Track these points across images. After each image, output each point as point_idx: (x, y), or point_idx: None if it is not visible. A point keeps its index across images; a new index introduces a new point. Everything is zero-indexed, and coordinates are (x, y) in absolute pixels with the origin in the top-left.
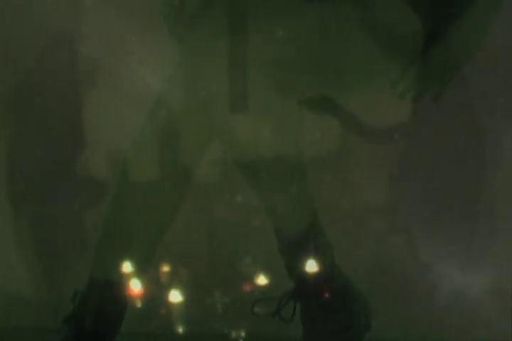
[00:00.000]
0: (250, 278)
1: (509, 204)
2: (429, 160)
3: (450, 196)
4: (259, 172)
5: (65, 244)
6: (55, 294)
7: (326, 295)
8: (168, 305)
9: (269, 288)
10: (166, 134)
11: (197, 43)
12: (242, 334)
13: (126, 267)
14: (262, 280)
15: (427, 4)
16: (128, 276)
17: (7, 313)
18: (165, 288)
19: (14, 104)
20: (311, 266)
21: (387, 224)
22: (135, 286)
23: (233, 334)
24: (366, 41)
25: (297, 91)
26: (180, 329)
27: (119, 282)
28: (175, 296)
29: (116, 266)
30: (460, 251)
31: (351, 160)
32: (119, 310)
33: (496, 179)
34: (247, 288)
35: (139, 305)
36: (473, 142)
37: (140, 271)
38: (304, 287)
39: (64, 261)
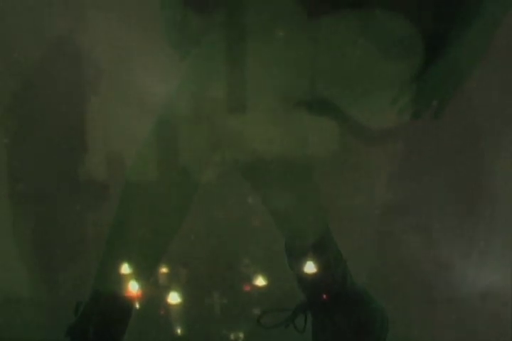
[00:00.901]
0: (250, 279)
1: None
2: (429, 160)
3: (451, 196)
4: (264, 178)
5: (66, 245)
6: (56, 295)
7: (338, 307)
8: (166, 306)
9: (269, 288)
10: (171, 144)
11: (199, 58)
12: (241, 335)
13: (130, 277)
14: (261, 280)
15: (428, 20)
16: (131, 286)
17: (6, 314)
18: (164, 289)
19: (18, 107)
20: (322, 280)
21: (390, 225)
22: (135, 289)
23: (232, 336)
24: (366, 56)
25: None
26: (179, 331)
27: (122, 293)
28: (174, 297)
29: (120, 277)
30: (460, 252)
31: (351, 162)
32: (123, 320)
33: (495, 178)
34: (246, 288)
35: (137, 306)
36: (473, 142)
37: (143, 280)
38: (315, 300)
39: (64, 262)
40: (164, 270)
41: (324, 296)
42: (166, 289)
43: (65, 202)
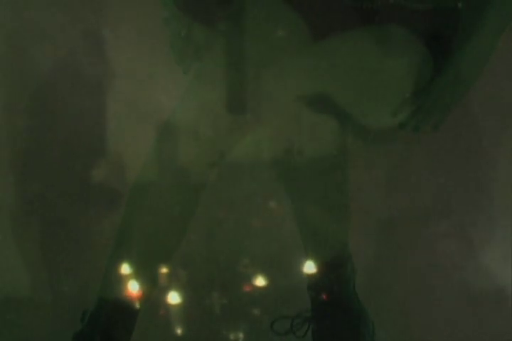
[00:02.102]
0: (250, 279)
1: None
2: (428, 161)
3: (453, 196)
4: (296, 184)
5: (71, 247)
6: (57, 295)
7: (343, 320)
8: (166, 306)
9: (268, 289)
10: (175, 151)
11: (202, 74)
12: (241, 335)
13: (136, 283)
14: (261, 281)
15: (428, 38)
16: (137, 291)
17: (7, 315)
18: (163, 289)
19: (35, 114)
20: (336, 292)
21: (391, 227)
22: (141, 295)
23: (232, 336)
24: (368, 74)
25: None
26: (179, 331)
27: (128, 301)
28: (173, 297)
29: (126, 283)
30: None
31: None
32: (128, 328)
33: (495, 179)
34: (246, 288)
35: (137, 306)
36: (473, 142)
37: (150, 286)
38: (321, 311)
39: (68, 264)
40: (164, 270)
41: (329, 309)
42: (166, 289)
43: (73, 206)
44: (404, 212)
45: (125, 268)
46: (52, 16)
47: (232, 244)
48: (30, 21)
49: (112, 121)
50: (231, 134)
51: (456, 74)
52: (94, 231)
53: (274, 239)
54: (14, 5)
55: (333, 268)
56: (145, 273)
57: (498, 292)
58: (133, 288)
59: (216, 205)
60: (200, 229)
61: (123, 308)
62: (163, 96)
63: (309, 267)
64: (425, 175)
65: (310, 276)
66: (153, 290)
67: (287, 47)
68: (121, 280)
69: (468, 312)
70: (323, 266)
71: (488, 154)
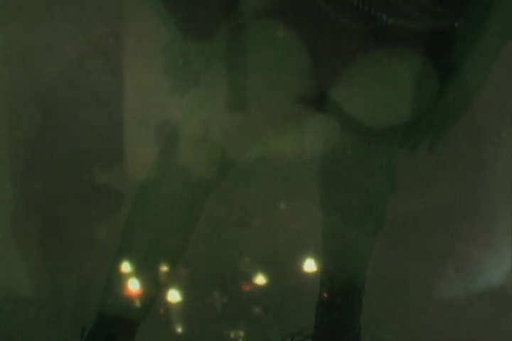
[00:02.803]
0: (250, 278)
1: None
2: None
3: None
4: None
5: (72, 248)
6: (57, 295)
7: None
8: (167, 305)
9: (269, 288)
10: (180, 157)
11: (199, 99)
12: (241, 334)
13: (139, 291)
14: (261, 280)
15: (429, 56)
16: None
17: (7, 313)
18: (164, 288)
19: (42, 116)
20: (341, 312)
21: (391, 227)
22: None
23: (232, 335)
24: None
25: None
26: (179, 330)
27: (127, 318)
28: (174, 296)
29: (126, 302)
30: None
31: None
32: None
33: (494, 179)
34: (246, 288)
35: (137, 305)
36: (473, 142)
37: (154, 293)
38: (324, 328)
39: (69, 264)
40: (165, 269)
41: (332, 333)
42: (167, 288)
43: (74, 206)
44: (404, 212)
45: (127, 275)
46: (62, 27)
47: (232, 244)
48: (42, 34)
49: (113, 124)
50: (233, 134)
51: (457, 97)
52: (95, 231)
53: (274, 238)
54: (24, 17)
55: (349, 290)
56: (149, 277)
57: (498, 292)
58: (135, 294)
59: (216, 205)
60: (200, 228)
61: (123, 325)
62: (164, 99)
63: (324, 284)
64: (425, 180)
65: (322, 294)
66: (157, 296)
67: (285, 59)
68: (123, 290)
69: (469, 313)
70: (339, 287)
71: (498, 157)
